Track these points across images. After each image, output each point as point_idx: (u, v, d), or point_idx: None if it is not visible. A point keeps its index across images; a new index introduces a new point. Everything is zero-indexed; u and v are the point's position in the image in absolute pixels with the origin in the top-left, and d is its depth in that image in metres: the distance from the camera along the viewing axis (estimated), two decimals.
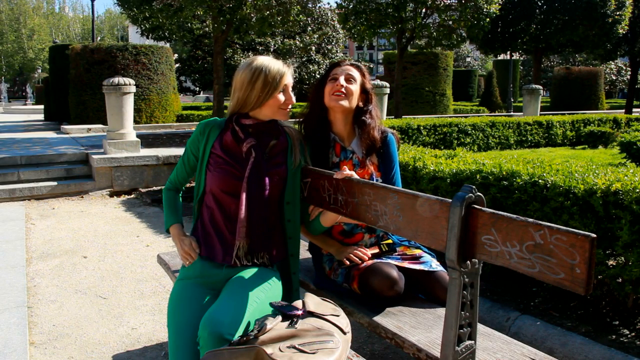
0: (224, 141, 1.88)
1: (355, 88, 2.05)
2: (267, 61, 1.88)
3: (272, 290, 1.79)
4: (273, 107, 1.87)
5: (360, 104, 2.09)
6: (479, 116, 11.25)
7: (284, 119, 1.92)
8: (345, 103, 2.03)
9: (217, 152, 1.87)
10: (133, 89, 7.27)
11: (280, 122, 1.96)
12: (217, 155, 1.86)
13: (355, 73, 2.08)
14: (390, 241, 2.14)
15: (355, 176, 1.77)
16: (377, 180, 2.05)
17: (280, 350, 1.40)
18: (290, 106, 1.90)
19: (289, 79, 1.88)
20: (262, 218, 1.85)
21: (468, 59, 49.18)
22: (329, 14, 22.68)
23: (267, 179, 1.84)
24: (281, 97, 1.86)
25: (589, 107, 22.31)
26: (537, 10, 17.78)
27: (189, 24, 13.25)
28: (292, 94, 1.90)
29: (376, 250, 2.08)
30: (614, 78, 36.74)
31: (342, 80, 2.03)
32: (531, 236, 1.20)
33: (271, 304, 1.62)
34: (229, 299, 1.67)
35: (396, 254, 2.09)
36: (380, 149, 2.12)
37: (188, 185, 2.11)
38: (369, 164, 2.09)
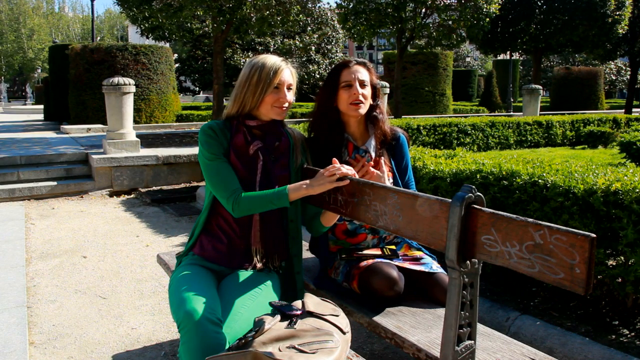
0: (235, 144, 1.85)
1: (368, 91, 2.06)
2: (264, 57, 1.85)
3: (268, 288, 1.80)
4: (267, 105, 1.83)
5: (371, 100, 2.10)
6: (478, 116, 11.24)
7: (279, 117, 1.87)
8: (364, 110, 2.05)
9: (228, 155, 1.85)
10: (133, 88, 7.27)
11: (282, 122, 1.96)
12: (229, 159, 1.85)
13: (365, 74, 2.06)
14: (393, 247, 2.13)
15: (351, 172, 1.75)
16: (389, 182, 2.04)
17: (280, 350, 1.39)
18: (285, 105, 1.85)
19: (285, 77, 1.83)
20: (273, 221, 1.85)
21: (468, 59, 49.18)
22: (328, 14, 22.66)
23: (276, 182, 1.83)
24: (275, 94, 1.82)
25: (588, 107, 22.31)
26: (537, 10, 17.76)
27: (189, 24, 13.24)
28: (287, 92, 1.84)
29: (378, 252, 2.08)
30: (614, 78, 36.76)
31: (358, 87, 2.01)
32: (531, 236, 1.20)
33: (270, 304, 1.62)
34: (227, 297, 1.69)
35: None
36: (393, 148, 2.14)
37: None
38: (382, 165, 2.08)
